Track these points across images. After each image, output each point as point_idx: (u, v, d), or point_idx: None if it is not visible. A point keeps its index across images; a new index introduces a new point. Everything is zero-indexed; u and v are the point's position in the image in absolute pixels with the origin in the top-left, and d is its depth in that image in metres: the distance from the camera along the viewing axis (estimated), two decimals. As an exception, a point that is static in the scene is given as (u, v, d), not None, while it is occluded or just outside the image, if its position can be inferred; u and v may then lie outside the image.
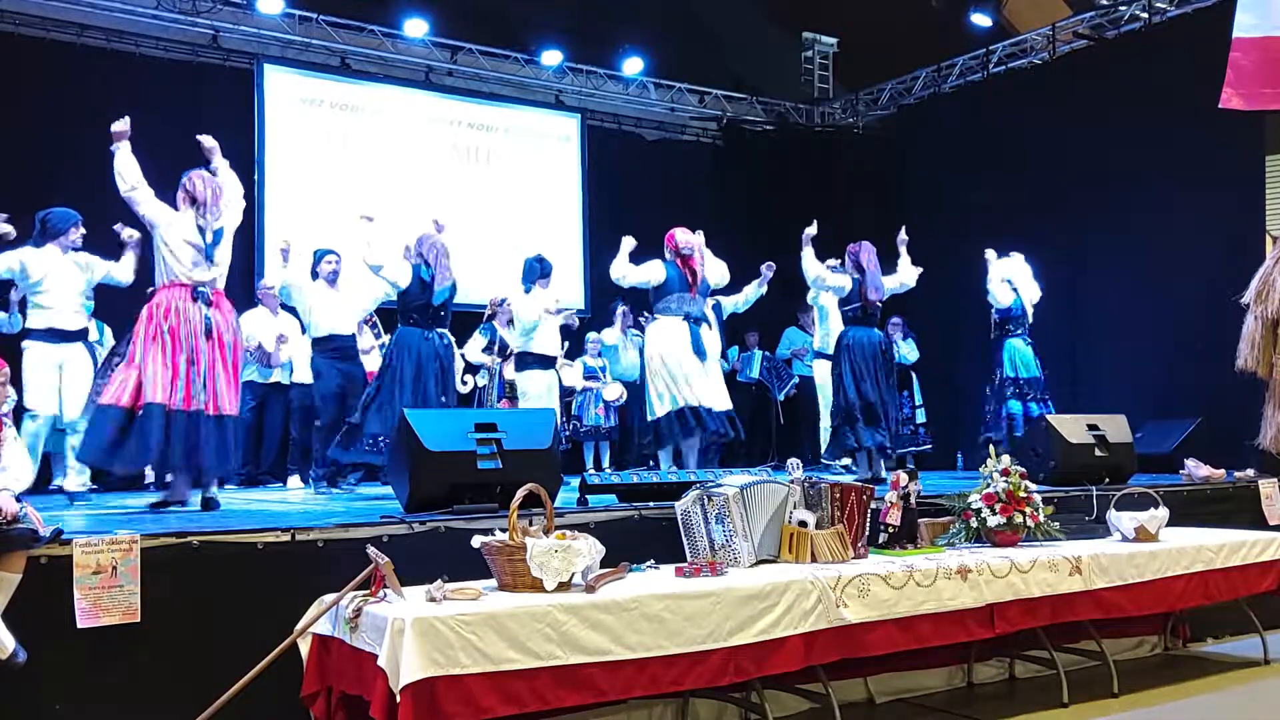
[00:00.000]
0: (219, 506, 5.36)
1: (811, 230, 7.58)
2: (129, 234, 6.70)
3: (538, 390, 8.18)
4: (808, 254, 7.59)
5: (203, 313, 5.25)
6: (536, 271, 8.23)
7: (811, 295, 8.15)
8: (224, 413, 5.23)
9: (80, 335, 6.82)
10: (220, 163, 5.61)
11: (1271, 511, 6.56)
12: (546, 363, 8.29)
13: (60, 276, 6.70)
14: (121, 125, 5.37)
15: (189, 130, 5.95)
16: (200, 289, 5.30)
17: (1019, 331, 8.44)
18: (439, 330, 6.86)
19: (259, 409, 8.59)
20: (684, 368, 6.90)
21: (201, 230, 5.37)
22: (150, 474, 7.99)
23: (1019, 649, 5.05)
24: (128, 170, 5.37)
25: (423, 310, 6.77)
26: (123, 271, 6.83)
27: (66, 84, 9.25)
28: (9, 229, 6.56)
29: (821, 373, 8.73)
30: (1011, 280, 8.40)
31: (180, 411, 5.09)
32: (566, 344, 8.95)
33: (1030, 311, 8.49)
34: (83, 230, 6.76)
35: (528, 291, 8.17)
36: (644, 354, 7.22)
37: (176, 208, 5.44)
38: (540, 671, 3.27)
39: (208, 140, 5.62)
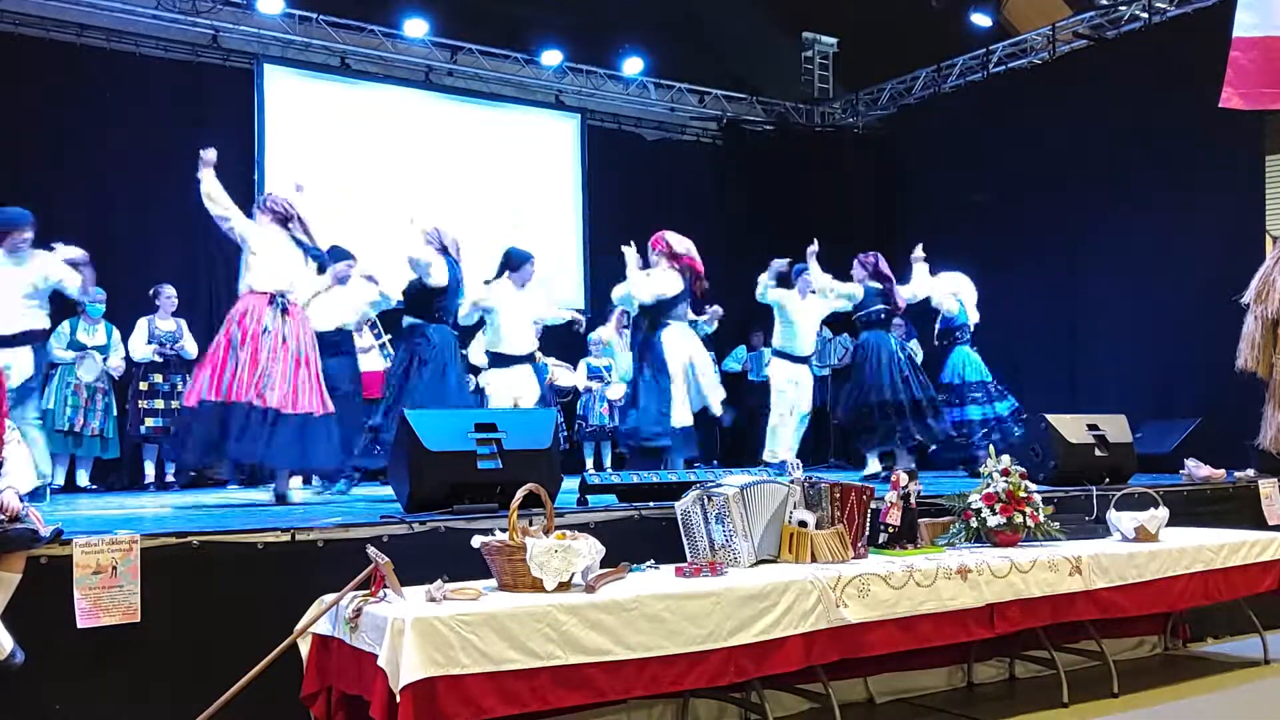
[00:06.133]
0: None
1: (814, 247, 7.80)
2: (69, 254, 6.37)
3: (500, 390, 7.22)
4: (814, 268, 7.84)
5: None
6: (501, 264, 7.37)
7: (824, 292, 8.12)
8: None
9: (20, 340, 6.23)
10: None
11: (1271, 511, 6.55)
12: (507, 361, 7.28)
13: None
14: (209, 154, 5.77)
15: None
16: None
17: (965, 339, 8.47)
18: (447, 323, 6.76)
19: None
20: (706, 372, 7.16)
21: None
22: (150, 472, 7.99)
23: (1019, 649, 5.05)
24: (218, 194, 5.80)
25: (439, 300, 6.68)
26: (71, 284, 6.37)
27: (66, 84, 9.25)
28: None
29: (780, 374, 8.35)
30: (958, 294, 8.44)
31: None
32: (584, 329, 8.73)
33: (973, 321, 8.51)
34: (16, 234, 6.17)
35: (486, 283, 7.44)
36: (665, 361, 6.99)
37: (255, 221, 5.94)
38: (540, 671, 3.27)
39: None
